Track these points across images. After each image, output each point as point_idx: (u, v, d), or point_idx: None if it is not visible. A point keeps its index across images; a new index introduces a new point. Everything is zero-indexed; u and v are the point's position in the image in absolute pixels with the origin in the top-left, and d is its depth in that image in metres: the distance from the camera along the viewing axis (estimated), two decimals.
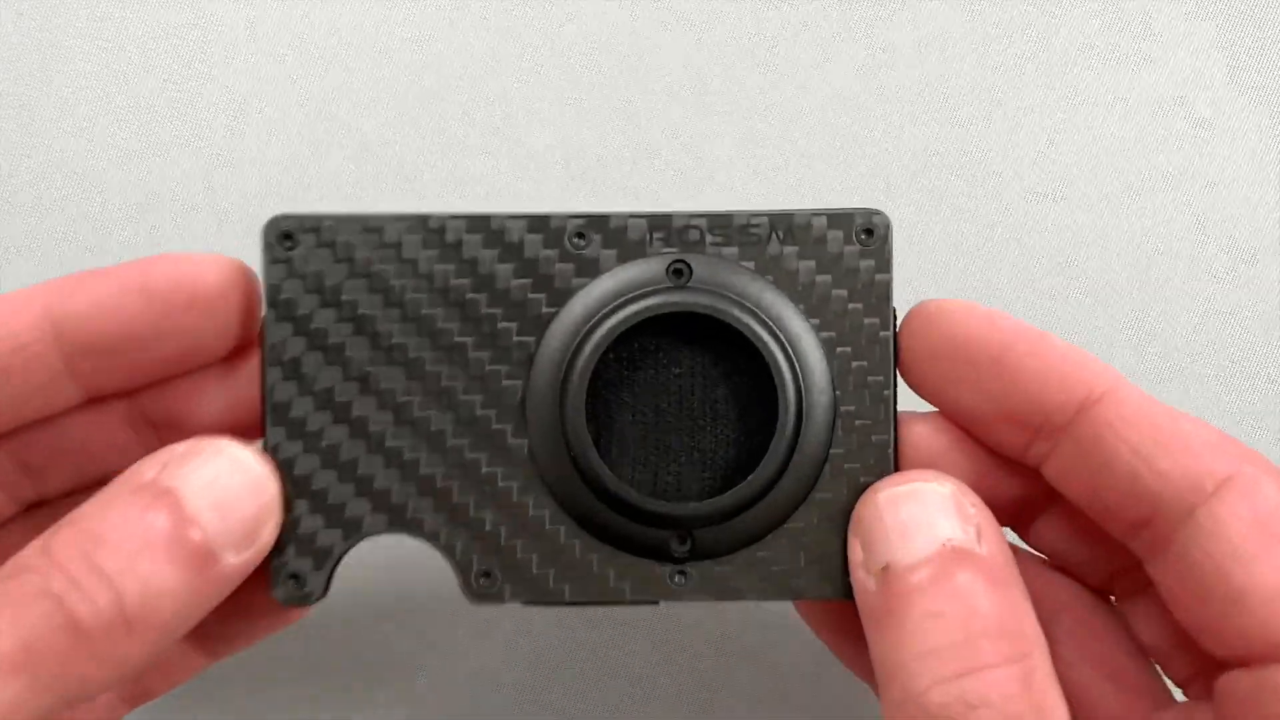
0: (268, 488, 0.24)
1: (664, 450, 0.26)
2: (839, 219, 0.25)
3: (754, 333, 0.25)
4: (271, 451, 0.25)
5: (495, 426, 0.25)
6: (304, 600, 0.25)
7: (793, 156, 0.37)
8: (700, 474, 0.26)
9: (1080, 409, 0.24)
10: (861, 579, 0.24)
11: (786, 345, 0.25)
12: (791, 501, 0.25)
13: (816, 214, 0.25)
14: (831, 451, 0.25)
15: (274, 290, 0.25)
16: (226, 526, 0.23)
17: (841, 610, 0.27)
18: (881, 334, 0.25)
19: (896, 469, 0.25)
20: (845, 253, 0.25)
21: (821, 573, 0.25)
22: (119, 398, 0.26)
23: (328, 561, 0.25)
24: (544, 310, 0.26)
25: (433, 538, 0.25)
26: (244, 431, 0.26)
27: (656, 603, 0.26)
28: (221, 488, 0.23)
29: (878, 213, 0.25)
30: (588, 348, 0.25)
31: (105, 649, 0.21)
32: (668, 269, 0.26)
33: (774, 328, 0.25)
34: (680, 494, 0.26)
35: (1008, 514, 0.26)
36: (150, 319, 0.24)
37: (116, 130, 0.37)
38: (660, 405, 0.26)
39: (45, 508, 0.27)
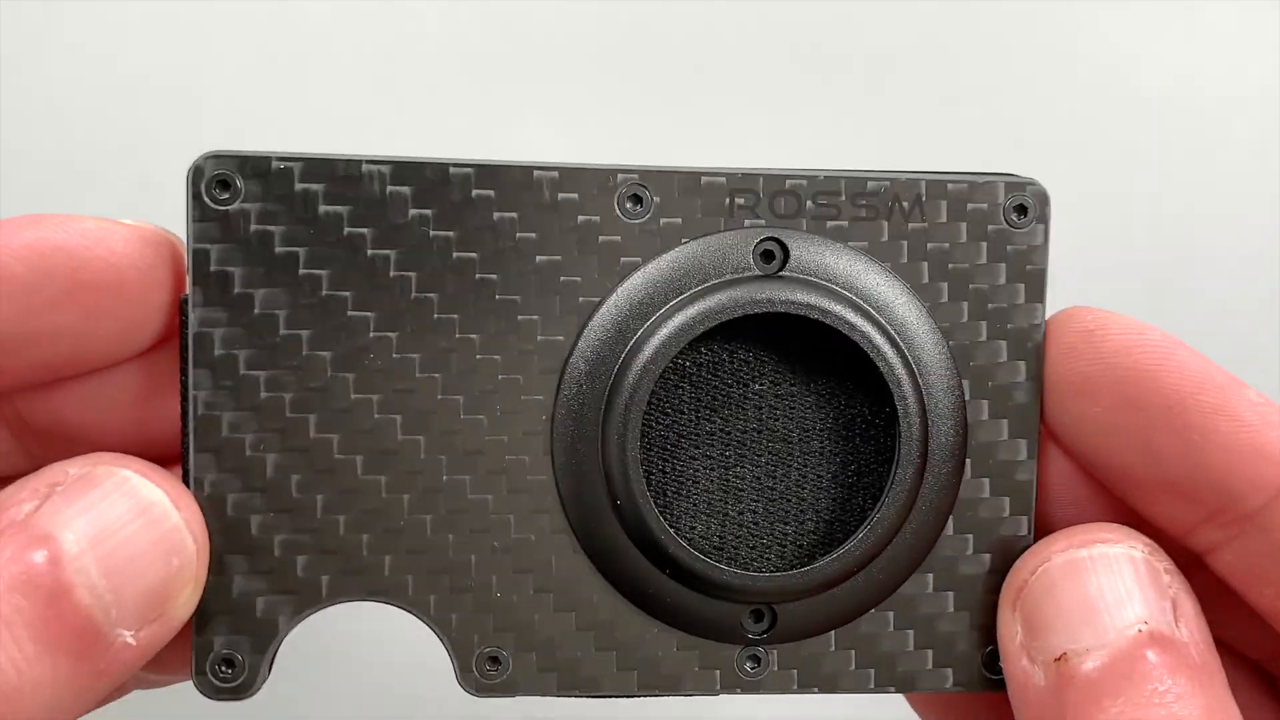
0: (183, 544, 0.18)
1: (734, 494, 0.20)
2: (982, 189, 0.20)
3: (873, 347, 0.19)
4: (195, 486, 0.19)
5: (509, 457, 0.19)
6: (237, 693, 0.19)
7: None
8: (782, 526, 0.20)
9: (1278, 495, 0.19)
10: (1023, 669, 0.19)
11: (909, 358, 0.19)
12: (908, 563, 0.20)
13: (954, 180, 0.20)
14: (960, 497, 0.20)
15: (202, 260, 0.18)
16: (121, 597, 0.17)
17: (964, 696, 0.22)
18: (1030, 344, 0.20)
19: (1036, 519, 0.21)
20: (989, 234, 0.20)
21: (946, 657, 0.20)
22: None
23: (272, 640, 0.19)
24: (581, 298, 0.19)
25: (420, 608, 0.19)
26: (163, 450, 0.20)
27: (717, 693, 0.20)
28: (118, 541, 0.17)
29: (1032, 182, 0.20)
30: (643, 356, 0.19)
31: None
32: (755, 250, 0.19)
33: (893, 334, 0.19)
34: (756, 552, 0.20)
35: None
36: (21, 309, 0.17)
37: None
38: (731, 433, 0.20)
39: None
